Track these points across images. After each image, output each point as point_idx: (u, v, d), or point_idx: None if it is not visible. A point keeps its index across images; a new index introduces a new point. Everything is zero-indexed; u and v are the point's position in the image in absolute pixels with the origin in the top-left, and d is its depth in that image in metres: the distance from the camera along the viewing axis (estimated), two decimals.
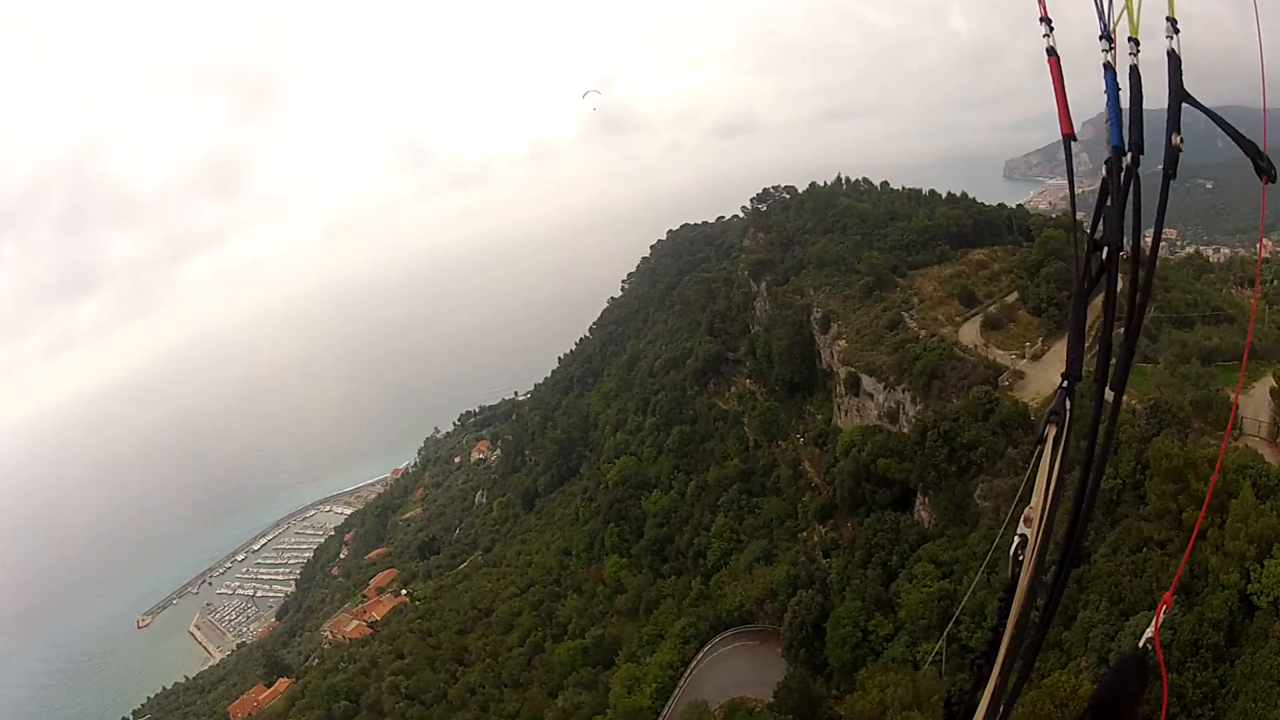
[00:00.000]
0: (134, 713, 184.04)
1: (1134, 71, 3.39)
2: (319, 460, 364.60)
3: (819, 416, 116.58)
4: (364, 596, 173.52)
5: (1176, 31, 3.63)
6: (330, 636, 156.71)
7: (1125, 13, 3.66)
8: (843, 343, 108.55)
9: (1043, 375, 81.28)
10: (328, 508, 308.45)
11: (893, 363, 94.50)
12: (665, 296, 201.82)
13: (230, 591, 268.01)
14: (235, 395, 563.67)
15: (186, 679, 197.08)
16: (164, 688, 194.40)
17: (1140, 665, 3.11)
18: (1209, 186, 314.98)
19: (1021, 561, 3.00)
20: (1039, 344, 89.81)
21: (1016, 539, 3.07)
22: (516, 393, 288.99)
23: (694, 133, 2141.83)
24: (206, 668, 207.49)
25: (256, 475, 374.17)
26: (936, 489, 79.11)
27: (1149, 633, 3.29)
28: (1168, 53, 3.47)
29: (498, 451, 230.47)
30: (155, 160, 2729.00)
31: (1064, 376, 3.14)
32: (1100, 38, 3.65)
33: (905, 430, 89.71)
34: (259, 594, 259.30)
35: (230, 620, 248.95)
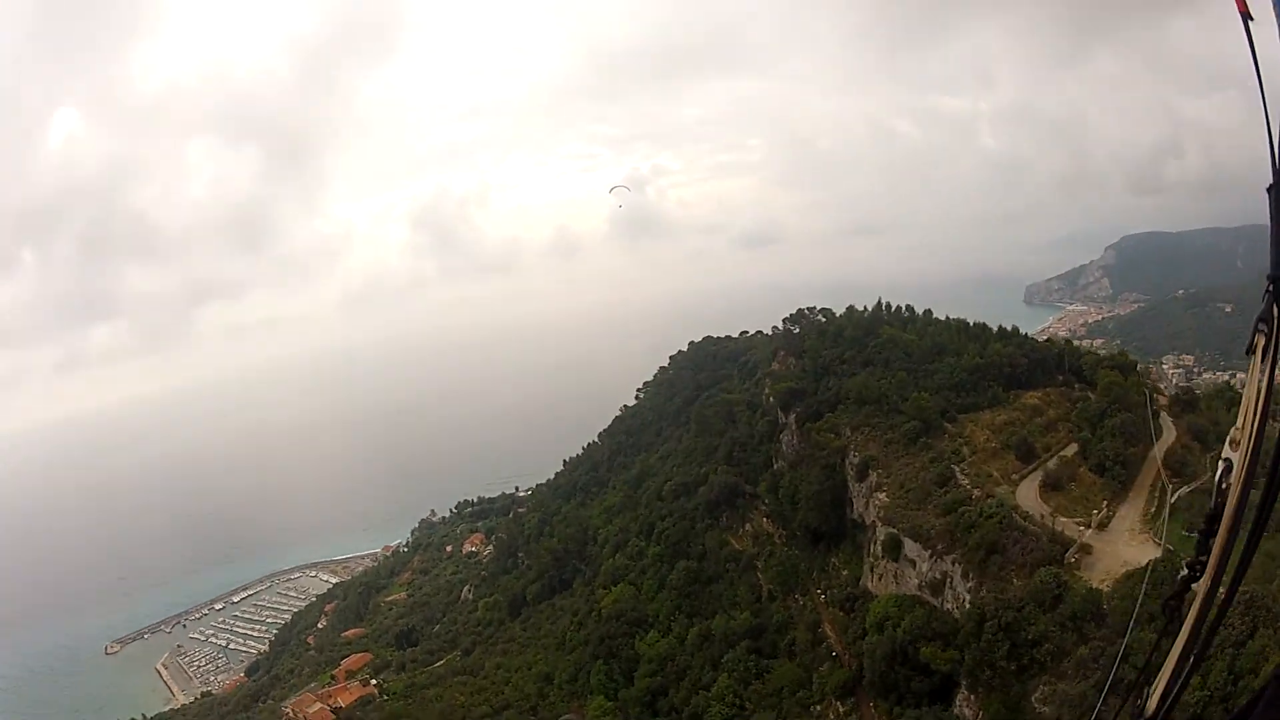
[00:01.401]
0: None
1: None
2: (310, 524, 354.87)
3: (845, 573, 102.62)
4: (333, 678, 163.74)
5: None
6: (291, 716, 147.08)
7: None
8: (883, 496, 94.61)
9: (1111, 550, 71.23)
10: (313, 573, 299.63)
11: (943, 528, 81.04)
12: (681, 412, 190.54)
13: (203, 638, 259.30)
14: (234, 446, 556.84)
15: (144, 717, 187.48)
16: None
17: None
18: (1228, 310, 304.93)
19: (1226, 489, 2.77)
20: (1104, 509, 79.60)
21: (1221, 464, 2.82)
22: (517, 488, 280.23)
23: (721, 240, 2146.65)
24: (166, 710, 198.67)
25: (246, 528, 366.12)
26: (988, 687, 65.81)
27: None
28: None
29: (490, 548, 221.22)
30: (184, 200, 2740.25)
31: (1270, 279, 2.68)
32: None
33: (951, 608, 76.90)
34: (231, 645, 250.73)
35: (199, 666, 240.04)
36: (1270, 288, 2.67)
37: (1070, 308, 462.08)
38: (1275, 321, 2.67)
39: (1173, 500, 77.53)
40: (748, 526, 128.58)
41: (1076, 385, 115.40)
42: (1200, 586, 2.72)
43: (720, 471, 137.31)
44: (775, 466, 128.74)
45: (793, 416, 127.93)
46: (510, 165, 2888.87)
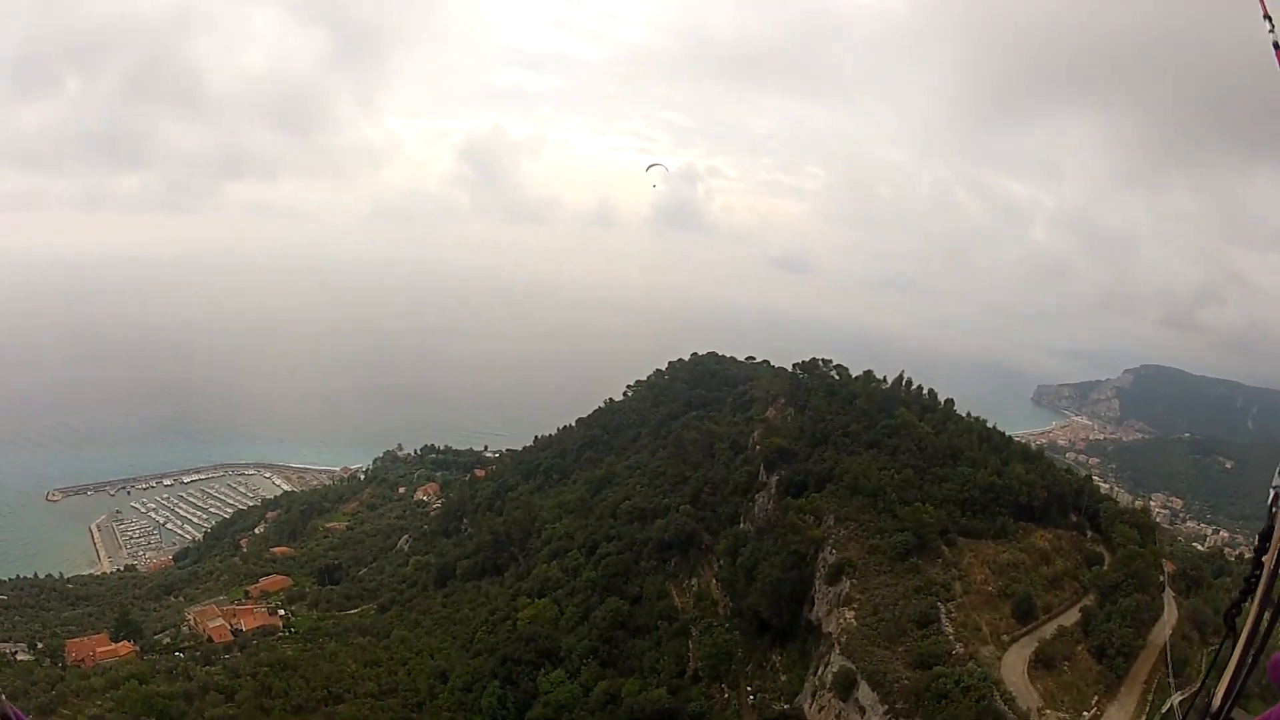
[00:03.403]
0: None
1: None
2: (279, 424, 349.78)
3: (783, 678, 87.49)
4: (246, 593, 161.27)
5: None
6: (191, 624, 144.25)
7: None
8: (850, 615, 78.95)
9: None
10: (268, 474, 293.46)
11: (910, 685, 65.96)
12: (664, 426, 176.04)
13: (144, 510, 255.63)
14: (226, 326, 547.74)
15: (61, 576, 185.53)
16: (35, 574, 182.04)
17: None
18: (1229, 466, 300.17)
19: (1275, 513, 3.11)
20: (1094, 707, 68.11)
21: (1272, 492, 3.18)
22: (486, 447, 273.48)
23: (754, 254, 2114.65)
24: (87, 574, 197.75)
25: (217, 411, 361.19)
26: None
27: None
28: None
29: (440, 503, 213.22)
30: (238, 68, 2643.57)
31: None
32: None
33: None
34: (168, 525, 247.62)
35: (131, 537, 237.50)
36: None
37: (1075, 419, 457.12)
38: None
39: (1165, 710, 64.54)
40: (693, 582, 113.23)
41: (1089, 533, 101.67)
42: (1256, 599, 3.02)
43: (682, 511, 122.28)
44: (741, 526, 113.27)
45: (775, 479, 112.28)
46: (569, 125, 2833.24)
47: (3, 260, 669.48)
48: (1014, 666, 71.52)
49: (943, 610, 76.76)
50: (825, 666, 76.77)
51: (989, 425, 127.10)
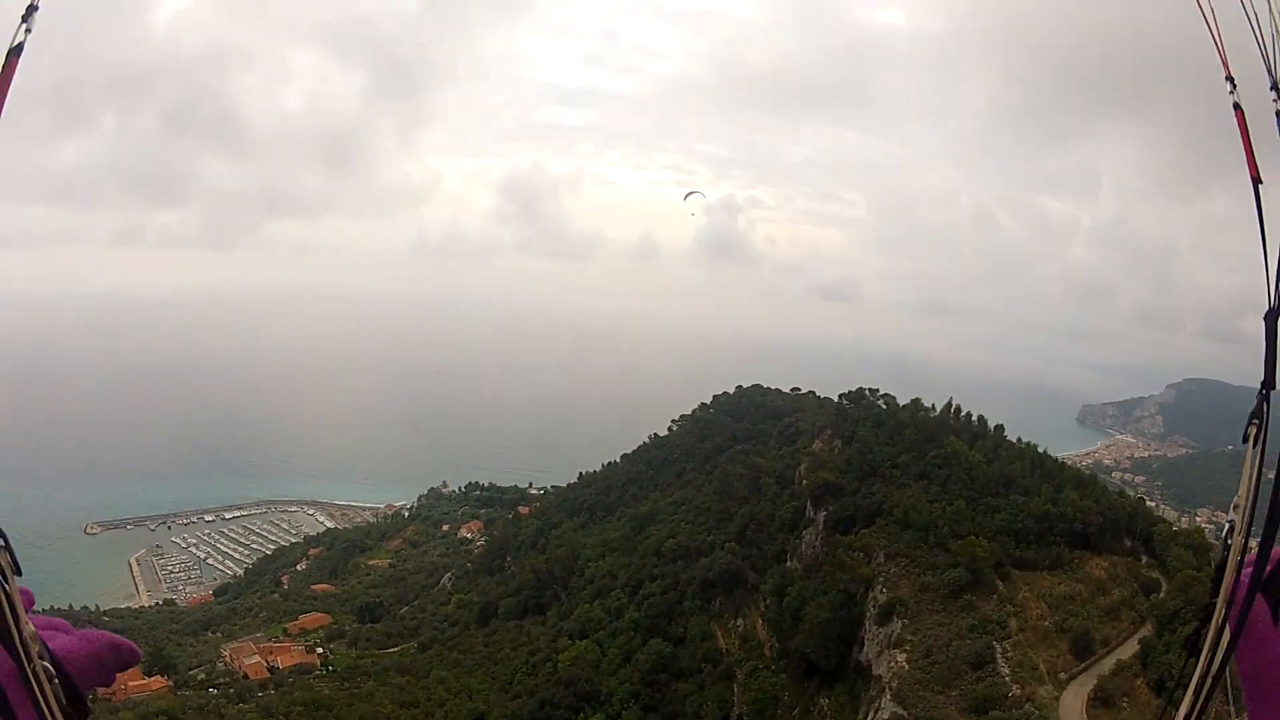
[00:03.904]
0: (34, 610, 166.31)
1: None
2: (323, 461, 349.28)
3: None
4: (285, 631, 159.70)
5: None
6: (228, 660, 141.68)
7: None
8: (902, 657, 74.33)
9: None
10: (311, 511, 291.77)
11: None
12: (709, 460, 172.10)
13: (184, 545, 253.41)
14: (272, 362, 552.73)
15: (97, 608, 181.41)
16: (70, 605, 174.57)
17: None
18: (1273, 476, 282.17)
19: (1230, 544, 3.25)
20: None
21: (1226, 524, 3.30)
22: (531, 484, 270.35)
23: (798, 284, 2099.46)
24: (124, 606, 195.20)
25: (260, 447, 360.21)
26: None
27: None
28: None
29: (483, 541, 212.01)
30: (278, 106, 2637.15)
31: (1262, 385, 3.36)
32: (1270, 89, 3.84)
33: None
34: (209, 560, 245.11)
35: (171, 571, 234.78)
36: (1261, 390, 3.31)
37: (1120, 437, 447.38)
38: (1265, 418, 3.31)
39: None
40: (739, 623, 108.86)
41: (1144, 558, 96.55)
42: (1213, 625, 3.15)
43: (727, 549, 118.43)
44: (788, 564, 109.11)
45: (822, 515, 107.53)
46: (608, 160, 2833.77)
47: (43, 297, 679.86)
48: (1072, 707, 66.79)
49: (998, 649, 72.10)
50: (875, 713, 72.36)
51: (1040, 450, 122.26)
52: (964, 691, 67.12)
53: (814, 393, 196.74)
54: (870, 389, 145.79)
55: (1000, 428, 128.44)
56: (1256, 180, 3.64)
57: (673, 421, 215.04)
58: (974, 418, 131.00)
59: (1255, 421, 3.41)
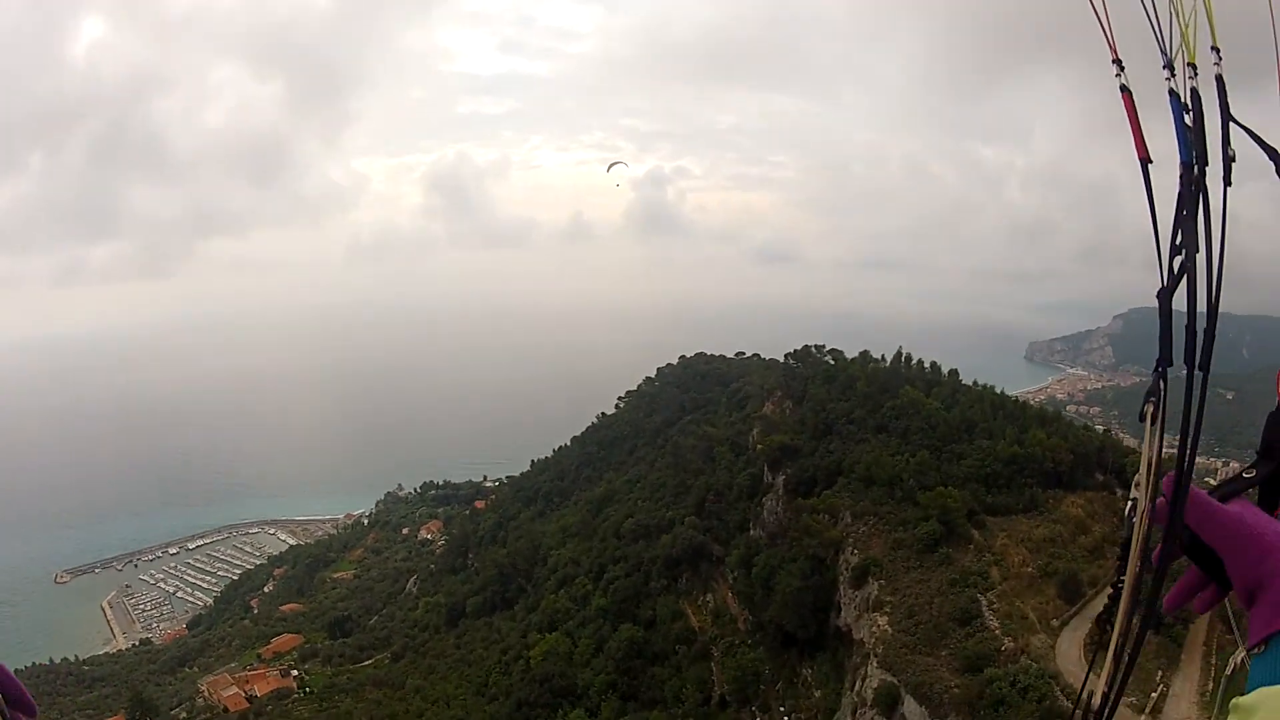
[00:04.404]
0: (15, 671, 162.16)
1: (1194, 93, 3.69)
2: (279, 479, 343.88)
3: (817, 694, 79.41)
4: (259, 656, 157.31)
5: (1220, 59, 3.80)
6: (206, 695, 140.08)
7: (1183, 46, 3.80)
8: (883, 620, 70.38)
9: None
10: (272, 530, 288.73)
11: (961, 696, 58.19)
12: (660, 434, 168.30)
13: (152, 581, 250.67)
14: (216, 387, 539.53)
15: (76, 659, 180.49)
16: (51, 660, 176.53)
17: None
18: (1229, 397, 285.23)
19: (1134, 523, 3.24)
20: (1159, 683, 58.32)
21: (1129, 503, 3.26)
22: (485, 477, 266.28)
23: (734, 251, 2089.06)
24: (103, 652, 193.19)
25: (215, 474, 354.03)
26: None
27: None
28: (1216, 77, 3.73)
29: (444, 541, 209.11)
30: (201, 125, 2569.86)
31: (1157, 362, 3.39)
32: (1163, 67, 3.80)
33: None
34: (178, 594, 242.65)
35: (143, 610, 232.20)
36: (1157, 368, 3.33)
37: (1071, 371, 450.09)
38: (1161, 395, 3.36)
39: (1228, 673, 56.71)
40: (708, 598, 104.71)
41: (1119, 491, 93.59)
42: (1122, 606, 3.19)
43: (688, 523, 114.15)
44: (751, 533, 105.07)
45: (781, 479, 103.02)
46: (531, 145, 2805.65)
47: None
48: (1069, 654, 63.20)
49: (983, 602, 68.35)
50: (863, 681, 68.41)
51: (998, 392, 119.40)
52: (954, 650, 63.43)
53: (758, 355, 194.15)
54: (816, 345, 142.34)
55: (955, 372, 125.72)
56: (1145, 161, 3.67)
57: (619, 399, 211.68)
58: (926, 365, 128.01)
59: (1153, 400, 3.44)
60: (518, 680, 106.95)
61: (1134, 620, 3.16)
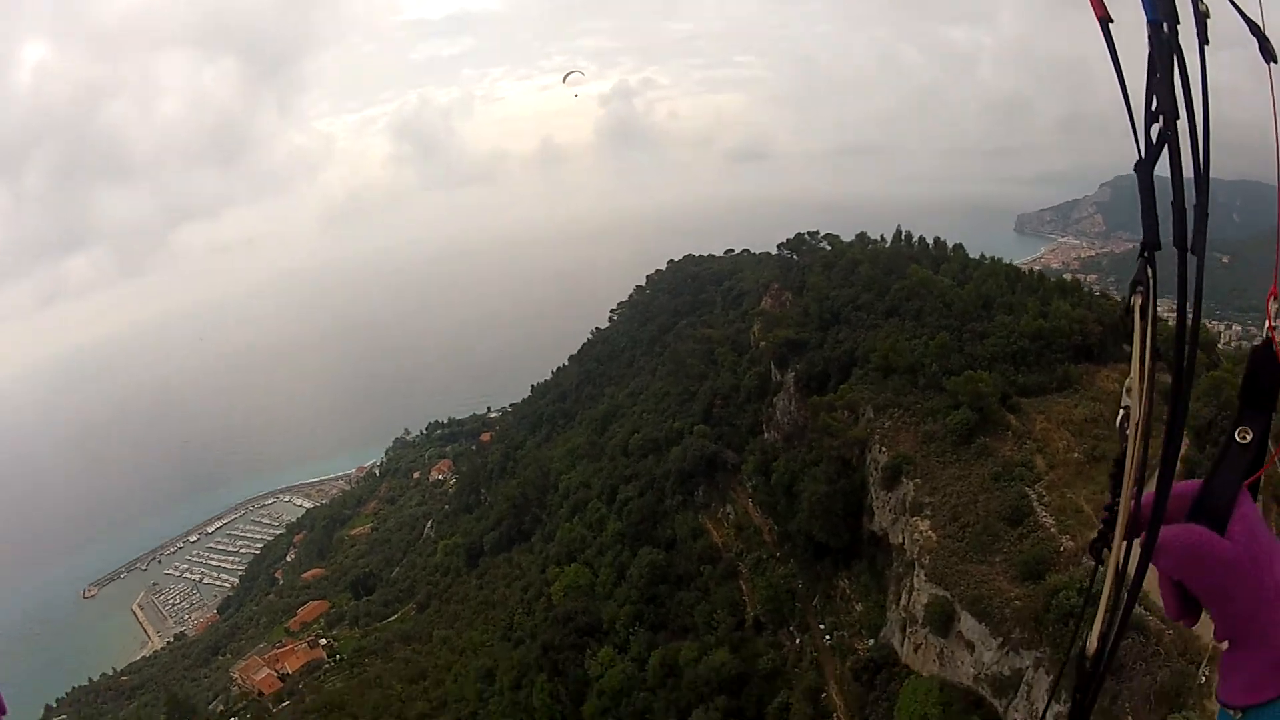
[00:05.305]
0: (57, 701, 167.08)
1: None
2: (287, 446, 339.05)
3: (859, 607, 72.73)
4: (286, 630, 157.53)
5: None
6: (240, 682, 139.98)
7: None
8: (924, 526, 62.64)
9: None
10: (287, 498, 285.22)
11: (1024, 609, 51.42)
12: (657, 341, 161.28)
13: (178, 573, 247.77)
14: (215, 370, 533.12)
15: (115, 671, 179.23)
16: (90, 679, 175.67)
17: (1268, 348, 3.13)
18: (1225, 261, 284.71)
19: (1128, 435, 2.95)
20: None
21: (1121, 411, 2.98)
22: (489, 409, 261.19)
23: (710, 154, 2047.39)
24: (140, 657, 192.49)
25: (224, 454, 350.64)
26: None
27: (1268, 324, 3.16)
28: None
29: (454, 480, 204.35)
30: (158, 118, 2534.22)
31: (1143, 245, 2.95)
32: None
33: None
34: (205, 580, 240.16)
35: (173, 605, 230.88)
36: (1143, 254, 2.92)
37: (1062, 240, 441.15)
38: (1150, 283, 2.92)
39: None
40: (728, 510, 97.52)
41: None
42: (1119, 530, 2.82)
43: (697, 432, 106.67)
44: (765, 437, 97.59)
45: (791, 376, 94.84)
46: (493, 78, 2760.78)
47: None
48: (1134, 550, 56.00)
49: (1033, 497, 60.02)
50: (911, 595, 61.07)
51: (1019, 267, 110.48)
52: (1009, 557, 55.47)
53: (749, 251, 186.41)
54: (810, 232, 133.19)
55: (960, 246, 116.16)
56: (1105, 20, 3.26)
57: (611, 311, 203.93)
58: (930, 241, 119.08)
59: (1140, 289, 3.01)
60: (541, 620, 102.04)
61: (1133, 547, 2.79)
